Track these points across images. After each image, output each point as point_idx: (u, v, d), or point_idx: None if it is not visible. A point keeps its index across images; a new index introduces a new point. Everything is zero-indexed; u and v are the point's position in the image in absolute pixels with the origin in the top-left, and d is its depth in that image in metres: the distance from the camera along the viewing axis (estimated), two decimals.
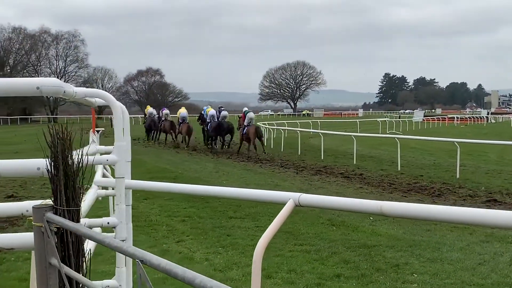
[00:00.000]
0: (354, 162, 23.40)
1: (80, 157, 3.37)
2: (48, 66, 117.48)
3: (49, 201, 3.36)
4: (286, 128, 37.40)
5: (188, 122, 36.11)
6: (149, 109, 43.14)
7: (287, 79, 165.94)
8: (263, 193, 4.39)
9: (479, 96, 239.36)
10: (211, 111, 33.40)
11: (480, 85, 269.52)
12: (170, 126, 38.33)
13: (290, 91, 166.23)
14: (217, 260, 8.28)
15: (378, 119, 60.04)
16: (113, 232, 4.55)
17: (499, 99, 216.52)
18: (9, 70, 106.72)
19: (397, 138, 23.52)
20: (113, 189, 5.05)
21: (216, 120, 31.99)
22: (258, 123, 35.90)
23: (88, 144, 6.62)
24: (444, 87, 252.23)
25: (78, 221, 3.37)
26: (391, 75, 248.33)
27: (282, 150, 30.28)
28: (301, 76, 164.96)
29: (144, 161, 24.59)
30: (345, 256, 8.53)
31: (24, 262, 7.75)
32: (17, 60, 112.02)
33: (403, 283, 7.21)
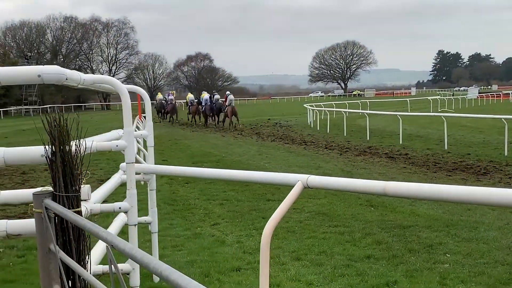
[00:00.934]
0: (400, 142, 23.06)
1: (79, 143, 3.40)
2: (100, 54, 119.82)
3: (50, 188, 3.41)
4: (334, 109, 37.09)
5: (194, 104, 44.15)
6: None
7: (337, 60, 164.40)
8: (272, 175, 4.36)
9: None
10: (205, 96, 41.34)
11: None
12: (172, 108, 47.26)
13: (340, 71, 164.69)
14: (248, 243, 8.28)
15: (430, 98, 58.78)
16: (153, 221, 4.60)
17: None
18: (62, 59, 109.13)
19: (443, 116, 23.01)
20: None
21: (209, 103, 40.36)
22: (308, 105, 36.05)
23: (114, 130, 6.67)
24: (501, 63, 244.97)
25: (77, 206, 3.40)
26: (445, 52, 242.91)
27: (328, 131, 30.08)
28: (351, 56, 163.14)
29: (189, 145, 24.86)
30: (378, 237, 8.41)
31: None
32: (69, 49, 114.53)
33: (434, 263, 7.06)
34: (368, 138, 25.21)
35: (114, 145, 4.40)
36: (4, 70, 3.62)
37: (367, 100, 61.02)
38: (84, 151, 3.43)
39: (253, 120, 44.82)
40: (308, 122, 38.15)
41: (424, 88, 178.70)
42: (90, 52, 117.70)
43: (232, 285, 6.42)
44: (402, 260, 7.26)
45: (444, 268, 6.87)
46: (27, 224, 3.72)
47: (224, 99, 38.99)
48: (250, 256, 7.58)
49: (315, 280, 6.54)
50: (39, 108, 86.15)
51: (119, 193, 8.45)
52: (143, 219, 6.38)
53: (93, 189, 4.76)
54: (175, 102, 49.76)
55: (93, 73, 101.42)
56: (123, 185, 5.58)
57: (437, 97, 67.28)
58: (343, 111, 32.06)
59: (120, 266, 4.63)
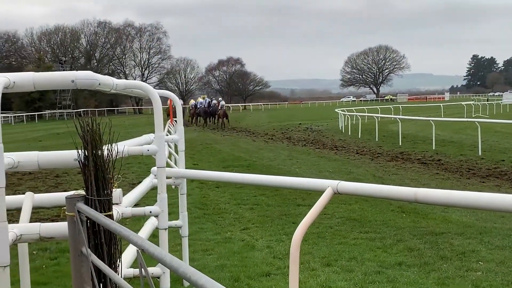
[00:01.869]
0: (433, 148, 22.81)
1: (111, 148, 3.44)
2: (133, 58, 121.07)
3: (82, 192, 3.45)
4: (365, 114, 36.88)
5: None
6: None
7: (369, 64, 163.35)
8: (302, 180, 4.36)
9: None
10: (200, 99, 51.42)
11: None
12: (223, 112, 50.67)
13: (373, 76, 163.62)
14: (278, 248, 8.27)
15: (463, 103, 58.05)
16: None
17: None
18: (95, 64, 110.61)
19: (477, 122, 22.70)
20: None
21: (204, 106, 49.17)
22: (340, 110, 35.84)
23: (145, 134, 6.73)
24: None
25: (109, 210, 3.45)
26: (479, 56, 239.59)
27: (359, 136, 29.91)
28: (383, 61, 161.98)
29: (220, 149, 24.94)
30: (410, 244, 8.33)
31: None
32: (103, 54, 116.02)
33: (466, 271, 6.97)
34: (400, 144, 25.00)
35: (145, 150, 4.44)
36: (39, 76, 3.68)
37: (400, 105, 60.50)
38: (116, 156, 3.47)
39: (284, 125, 44.83)
40: (340, 127, 38.01)
41: (458, 93, 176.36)
42: (123, 57, 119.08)
43: None
44: (434, 267, 7.17)
45: (477, 276, 6.77)
46: (60, 227, 3.76)
47: (217, 104, 47.80)
48: (280, 261, 7.57)
49: (346, 286, 6.50)
50: (72, 112, 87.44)
51: (150, 197, 8.51)
52: (174, 223, 6.42)
53: (125, 192, 4.81)
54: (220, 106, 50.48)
55: (126, 77, 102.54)
56: (154, 189, 5.64)
57: (471, 102, 66.40)
58: (375, 116, 31.84)
59: (151, 269, 4.67)
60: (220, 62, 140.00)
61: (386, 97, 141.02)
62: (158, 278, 4.49)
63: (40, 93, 75.72)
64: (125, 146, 4.27)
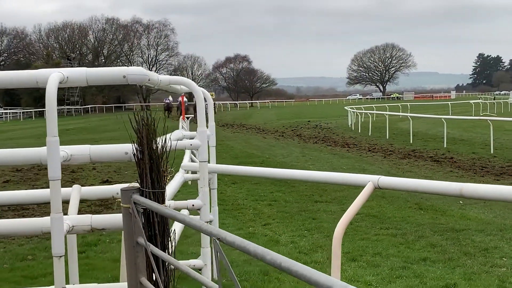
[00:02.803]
0: (445, 146, 22.85)
1: (164, 142, 3.53)
2: (140, 55, 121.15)
3: (136, 184, 3.54)
4: (375, 112, 36.90)
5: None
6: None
7: (376, 62, 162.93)
8: (342, 175, 4.44)
9: None
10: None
11: None
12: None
13: (379, 74, 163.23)
14: (302, 243, 8.37)
15: (471, 101, 57.93)
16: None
17: None
18: (103, 60, 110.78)
19: (489, 120, 22.72)
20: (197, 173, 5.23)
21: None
22: (349, 107, 36.10)
23: (177, 130, 6.84)
24: None
25: (163, 202, 3.54)
26: (485, 55, 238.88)
27: (370, 134, 29.96)
28: (390, 59, 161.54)
29: (231, 146, 25.04)
30: (432, 240, 8.41)
31: (117, 244, 8.11)
32: (110, 50, 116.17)
33: (491, 267, 7.05)
34: (411, 141, 25.04)
35: (188, 144, 4.53)
36: (92, 71, 3.77)
37: (408, 103, 60.45)
38: (169, 150, 3.56)
39: (293, 122, 44.87)
40: (349, 124, 38.04)
41: (464, 91, 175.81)
42: (131, 54, 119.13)
43: (291, 283, 6.50)
44: (459, 263, 7.25)
45: (502, 272, 6.85)
46: (111, 219, 3.86)
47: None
48: (306, 256, 7.67)
49: (374, 280, 6.59)
50: (80, 108, 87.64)
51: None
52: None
53: None
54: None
55: None
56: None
57: (479, 100, 66.25)
58: (385, 114, 31.89)
59: (193, 261, 4.77)
60: (227, 59, 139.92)
61: (392, 95, 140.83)
62: (200, 270, 4.58)
63: (45, 89, 75.73)
64: (170, 141, 4.36)
